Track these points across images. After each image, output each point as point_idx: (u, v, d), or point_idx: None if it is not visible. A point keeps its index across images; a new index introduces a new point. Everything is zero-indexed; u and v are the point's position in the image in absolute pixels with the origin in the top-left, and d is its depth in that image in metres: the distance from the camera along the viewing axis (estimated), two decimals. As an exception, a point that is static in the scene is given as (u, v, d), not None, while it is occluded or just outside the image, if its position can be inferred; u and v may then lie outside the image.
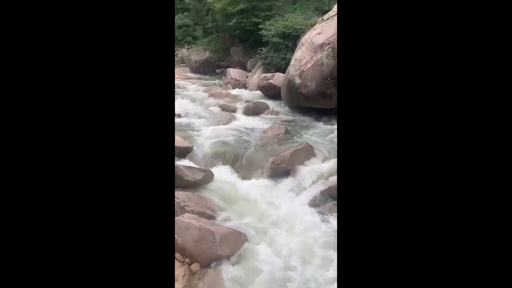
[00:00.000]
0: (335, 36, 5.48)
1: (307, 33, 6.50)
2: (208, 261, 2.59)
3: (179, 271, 2.51)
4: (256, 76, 8.79)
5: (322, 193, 3.52)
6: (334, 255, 2.75)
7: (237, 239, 2.80)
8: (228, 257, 2.66)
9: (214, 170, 4.00)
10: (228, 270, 2.56)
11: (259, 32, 9.08)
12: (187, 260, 2.58)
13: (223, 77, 10.57)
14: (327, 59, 5.54)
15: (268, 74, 7.76)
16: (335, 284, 2.46)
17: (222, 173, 4.08)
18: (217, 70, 11.77)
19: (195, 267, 2.56)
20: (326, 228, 3.11)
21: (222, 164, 4.29)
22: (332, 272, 2.57)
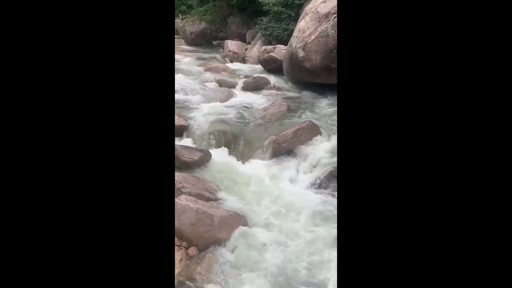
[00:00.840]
0: (342, 5, 5.38)
1: (311, 2, 6.38)
2: (206, 245, 2.64)
3: (176, 255, 2.56)
4: (256, 49, 8.70)
5: (326, 173, 3.55)
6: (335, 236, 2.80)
7: (236, 221, 2.84)
8: (226, 240, 2.72)
9: (211, 150, 4.02)
10: (227, 254, 2.62)
11: (259, 0, 8.91)
12: (184, 243, 2.64)
13: (221, 49, 10.46)
14: (333, 30, 5.45)
15: (269, 47, 7.67)
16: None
17: (220, 153, 4.10)
18: (214, 42, 11.63)
19: (192, 251, 2.61)
20: (330, 209, 3.15)
21: (220, 144, 4.31)
22: (331, 254, 2.63)
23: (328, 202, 3.26)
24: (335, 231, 2.88)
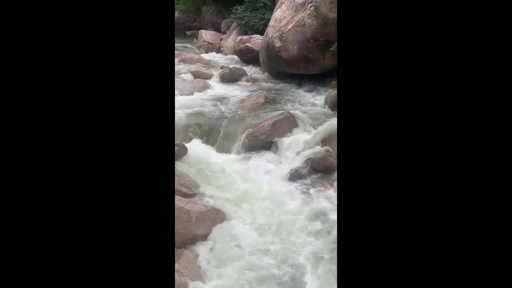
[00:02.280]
0: (318, -7, 5.41)
1: (287, -10, 6.37)
2: (184, 241, 2.63)
3: (153, 253, 2.54)
4: (232, 39, 8.64)
5: (305, 165, 3.58)
6: (316, 228, 2.85)
7: (215, 217, 2.84)
8: (205, 236, 2.71)
9: (187, 143, 3.99)
10: (205, 250, 2.61)
11: (234, -12, 8.84)
12: (161, 241, 2.62)
13: (195, 40, 10.33)
14: (310, 19, 5.48)
15: (245, 37, 7.63)
16: (320, 257, 2.57)
17: (197, 147, 4.07)
18: (188, 32, 11.46)
19: (169, 248, 2.60)
20: (309, 201, 3.19)
21: (196, 137, 4.27)
22: (312, 247, 2.67)
23: (307, 194, 3.30)
24: (315, 222, 2.92)
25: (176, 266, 2.43)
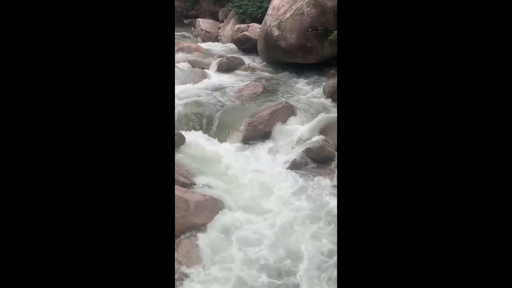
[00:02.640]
0: (317, -19, 5.36)
1: (285, -22, 6.30)
2: (182, 230, 2.65)
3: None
4: (229, 28, 8.57)
5: (303, 155, 3.59)
6: (315, 217, 2.87)
7: (213, 206, 2.86)
8: (203, 225, 2.73)
9: (185, 133, 3.99)
10: (203, 239, 2.64)
11: (232, -24, 8.75)
12: (159, 230, 2.63)
13: (192, 28, 10.24)
14: (308, 7, 5.44)
15: (243, 25, 7.56)
16: (317, 245, 2.59)
17: (195, 136, 4.08)
18: (185, 21, 11.36)
19: (168, 237, 2.62)
20: (307, 191, 3.21)
21: (194, 127, 4.27)
22: (311, 236, 2.70)
23: (304, 183, 3.32)
24: (311, 212, 2.95)
25: (175, 255, 2.46)
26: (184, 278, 2.37)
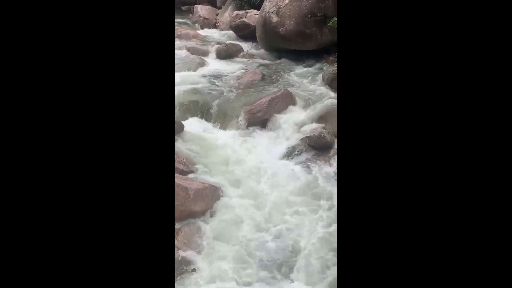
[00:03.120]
0: (316, -34, 5.28)
1: (284, -37, 6.21)
2: (182, 218, 2.67)
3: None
4: (228, 14, 8.47)
5: (302, 142, 3.59)
6: (314, 205, 2.89)
7: (212, 194, 2.87)
8: (203, 213, 2.75)
9: (184, 121, 3.98)
10: (203, 226, 2.65)
11: (230, -39, 8.61)
12: (159, 217, 2.65)
13: (190, 15, 10.14)
14: (307, -7, 5.37)
15: (241, 12, 7.47)
16: (319, 230, 2.61)
17: (193, 124, 4.07)
18: (183, 8, 11.23)
19: (168, 224, 2.63)
20: (306, 178, 3.22)
21: (192, 115, 4.26)
22: (310, 221, 2.72)
23: (304, 170, 3.33)
24: (311, 200, 2.96)
25: (175, 242, 2.48)
26: (184, 264, 2.39)
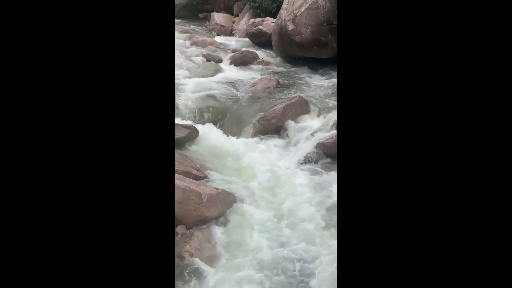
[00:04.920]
0: (333, -25, 5.28)
1: (301, -29, 6.22)
2: (195, 223, 2.65)
3: (164, 233, 2.57)
4: (244, 22, 8.53)
5: (316, 150, 3.56)
6: (328, 213, 2.84)
7: (226, 200, 2.85)
8: (216, 219, 2.73)
9: (199, 126, 3.99)
10: (216, 232, 2.64)
11: (247, -30, 8.69)
12: (172, 222, 2.64)
13: (207, 22, 10.24)
14: (323, 1, 5.37)
15: (257, 19, 7.52)
16: (332, 243, 2.57)
17: (208, 130, 4.08)
18: (200, 15, 11.36)
19: (180, 229, 2.62)
20: (320, 186, 3.18)
21: (207, 120, 4.27)
22: (324, 231, 2.67)
23: (317, 178, 3.29)
24: (324, 206, 2.92)
25: (187, 247, 2.46)
26: (196, 270, 2.37)
